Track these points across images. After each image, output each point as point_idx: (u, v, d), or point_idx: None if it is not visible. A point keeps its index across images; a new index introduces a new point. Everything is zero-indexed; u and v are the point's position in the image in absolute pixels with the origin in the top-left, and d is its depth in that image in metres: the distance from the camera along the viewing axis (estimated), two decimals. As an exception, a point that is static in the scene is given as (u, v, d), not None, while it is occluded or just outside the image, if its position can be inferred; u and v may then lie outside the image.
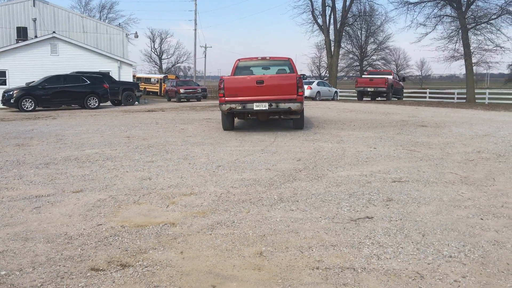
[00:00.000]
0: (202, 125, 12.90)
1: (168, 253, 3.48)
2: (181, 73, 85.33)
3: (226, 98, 10.66)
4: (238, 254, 3.46)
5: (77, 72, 23.42)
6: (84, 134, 10.80)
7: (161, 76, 50.17)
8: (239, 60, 12.43)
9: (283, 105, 10.37)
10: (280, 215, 4.38)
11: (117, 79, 27.13)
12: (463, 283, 2.96)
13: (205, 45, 71.34)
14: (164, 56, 78.46)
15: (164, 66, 77.42)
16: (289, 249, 3.54)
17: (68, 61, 26.54)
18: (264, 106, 10.45)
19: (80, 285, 2.95)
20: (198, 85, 39.89)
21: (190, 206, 4.72)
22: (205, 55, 67.81)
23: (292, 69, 12.17)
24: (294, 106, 10.35)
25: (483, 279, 3.02)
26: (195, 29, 53.22)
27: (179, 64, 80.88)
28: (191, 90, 34.20)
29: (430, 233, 3.88)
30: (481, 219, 4.28)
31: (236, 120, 12.29)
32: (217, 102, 31.23)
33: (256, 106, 10.50)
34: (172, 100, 34.57)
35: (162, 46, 78.21)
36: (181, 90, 33.35)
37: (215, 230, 3.98)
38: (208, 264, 3.27)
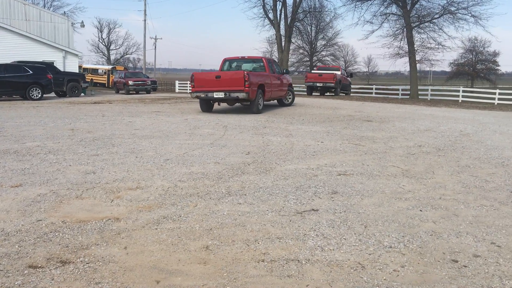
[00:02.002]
0: (151, 118, 12.66)
1: (111, 248, 3.40)
2: (130, 65, 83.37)
3: (195, 89, 14.11)
4: (183, 248, 3.43)
5: (18, 62, 22.31)
6: (25, 126, 10.33)
7: (109, 67, 48.77)
8: (225, 59, 16.15)
9: (233, 94, 13.53)
10: (227, 209, 4.38)
11: (62, 69, 26.10)
12: (401, 272, 3.08)
13: (155, 36, 69.93)
14: (112, 47, 76.34)
15: (112, 57, 75.32)
16: (236, 243, 3.55)
17: (9, 50, 25.27)
18: (221, 95, 13.69)
19: (16, 283, 2.83)
20: (148, 77, 39.04)
21: (135, 200, 4.63)
22: (155, 47, 66.65)
23: (264, 65, 15.56)
24: (241, 95, 13.46)
25: (421, 268, 3.16)
26: (145, 20, 52.07)
27: (128, 55, 79.00)
28: (140, 82, 33.46)
29: (372, 225, 4.01)
30: (420, 210, 4.47)
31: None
32: (167, 95, 30.89)
33: (216, 95, 13.78)
34: (120, 92, 33.70)
35: (110, 37, 76.05)
36: (130, 82, 32.56)
37: (161, 225, 3.93)
38: (153, 259, 3.22)
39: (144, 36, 52.72)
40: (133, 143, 8.11)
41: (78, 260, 3.18)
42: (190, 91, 14.33)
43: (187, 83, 44.06)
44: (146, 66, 59.24)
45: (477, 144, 8.81)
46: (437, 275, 3.05)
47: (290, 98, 17.99)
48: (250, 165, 6.38)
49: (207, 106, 14.91)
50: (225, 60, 16.11)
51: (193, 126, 10.75)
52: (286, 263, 3.19)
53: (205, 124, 11.10)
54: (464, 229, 3.96)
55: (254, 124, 11.20)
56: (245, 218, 4.12)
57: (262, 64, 15.69)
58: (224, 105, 16.59)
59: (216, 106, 15.89)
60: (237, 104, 15.74)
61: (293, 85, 18.66)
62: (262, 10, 39.99)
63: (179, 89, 44.07)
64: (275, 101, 17.69)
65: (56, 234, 3.68)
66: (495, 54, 66.15)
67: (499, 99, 26.67)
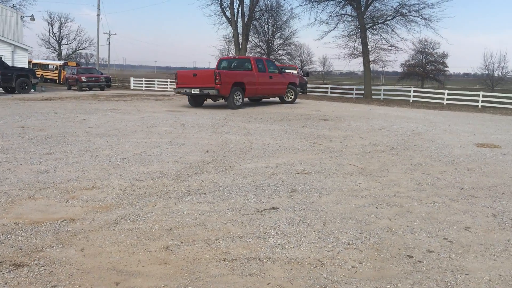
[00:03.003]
0: (106, 115, 12.36)
1: (67, 250, 3.30)
2: (83, 60, 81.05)
3: (178, 85, 15.80)
4: (143, 249, 3.38)
5: (-38, 55, 21.19)
6: (-29, 124, 9.83)
7: (61, 62, 47.18)
8: (220, 59, 18.45)
9: (205, 90, 14.99)
10: (187, 208, 4.35)
11: (10, 64, 25.00)
12: (359, 269, 3.16)
13: (109, 32, 68.22)
14: (64, 42, 73.70)
15: (64, 52, 72.75)
16: (196, 242, 3.53)
17: (-48, 43, 23.97)
18: (197, 91, 15.18)
19: (-35, 289, 2.70)
20: (102, 73, 38.06)
21: (92, 200, 4.51)
22: (109, 42, 64.83)
23: (251, 64, 16.89)
24: (211, 91, 14.91)
25: (378, 264, 3.25)
26: (98, 14, 50.63)
27: (80, 51, 76.52)
28: (93, 79, 32.55)
29: (330, 222, 4.09)
30: (376, 207, 4.60)
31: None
32: (122, 92, 30.25)
33: (193, 91, 15.31)
34: (72, 88, 32.64)
35: (61, 31, 73.34)
36: (83, 78, 31.61)
37: (119, 225, 3.85)
38: (111, 261, 3.15)
39: (98, 31, 51.23)
40: (88, 141, 7.89)
41: (32, 263, 3.07)
42: (174, 87, 16.29)
43: (142, 80, 43.31)
44: (100, 62, 57.71)
45: (429, 142, 9.14)
46: (393, 270, 3.15)
47: (292, 96, 19.04)
48: (209, 163, 6.35)
49: (195, 101, 16.63)
50: (220, 60, 18.35)
51: (150, 124, 10.58)
52: (248, 261, 3.20)
53: (162, 122, 10.95)
54: (418, 225, 4.10)
55: (212, 123, 11.15)
56: (205, 217, 4.10)
57: (250, 63, 17.15)
58: (209, 101, 17.40)
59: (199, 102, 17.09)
60: (221, 101, 16.66)
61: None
62: (219, 7, 39.76)
63: (134, 86, 43.20)
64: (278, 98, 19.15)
65: (8, 236, 3.53)
66: (444, 55, 68.84)
67: (447, 99, 27.75)
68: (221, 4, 39.42)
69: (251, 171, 5.96)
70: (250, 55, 54.99)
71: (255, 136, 9.05)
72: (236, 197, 4.77)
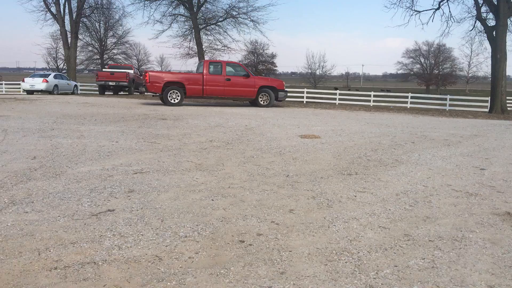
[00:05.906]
0: None
1: None
2: None
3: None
4: (-42, 268, 3.03)
5: None
6: None
7: None
8: (206, 61, 19.97)
9: (142, 88, 18.98)
10: (12, 219, 4.01)
11: None
12: (196, 259, 3.31)
13: None
14: None
15: None
16: (23, 254, 3.29)
17: None
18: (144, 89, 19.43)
19: None
20: None
21: None
22: None
23: (202, 66, 18.70)
24: (143, 89, 17.61)
25: (213, 252, 3.44)
26: None
27: None
28: None
29: (168, 218, 4.18)
30: (212, 200, 4.82)
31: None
32: None
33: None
34: None
35: None
36: None
37: None
38: None
39: None
40: None
41: None
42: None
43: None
44: None
45: (260, 136, 9.81)
46: (227, 256, 3.38)
47: (268, 100, 19.66)
48: (37, 170, 5.90)
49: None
50: (205, 61, 19.99)
51: (-37, 131, 9.32)
52: (82, 267, 3.11)
53: (-22, 129, 9.74)
54: (249, 212, 4.43)
55: (40, 127, 10.29)
56: (33, 227, 3.84)
57: (202, 66, 18.96)
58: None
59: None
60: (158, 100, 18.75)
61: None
62: (42, 3, 36.70)
63: None
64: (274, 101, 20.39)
65: None
66: (273, 56, 73.80)
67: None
68: (44, 0, 36.38)
69: (85, 175, 5.71)
70: (82, 54, 51.81)
71: (89, 139, 8.65)
72: (68, 202, 4.54)
